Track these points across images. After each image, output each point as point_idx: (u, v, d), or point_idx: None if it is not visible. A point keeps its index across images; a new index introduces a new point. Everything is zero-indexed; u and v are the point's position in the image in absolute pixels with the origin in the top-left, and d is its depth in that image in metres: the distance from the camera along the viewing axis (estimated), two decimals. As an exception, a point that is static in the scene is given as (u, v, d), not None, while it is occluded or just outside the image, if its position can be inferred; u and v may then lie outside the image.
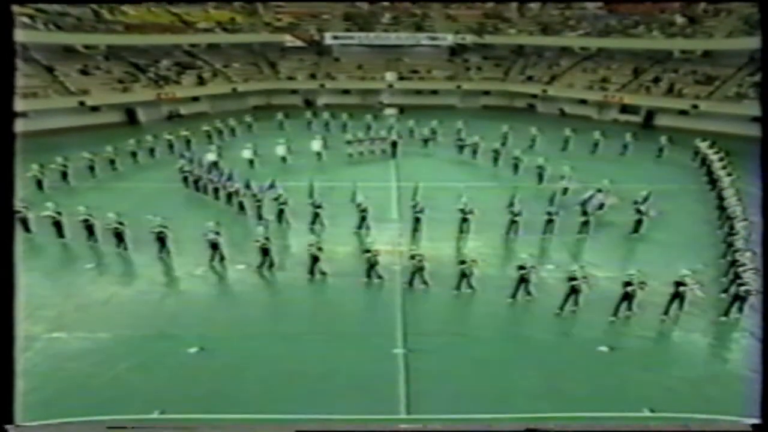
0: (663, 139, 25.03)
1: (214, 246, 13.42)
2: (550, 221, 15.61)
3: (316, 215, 16.10)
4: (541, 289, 12.55)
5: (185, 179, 19.52)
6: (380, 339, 10.42)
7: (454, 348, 10.24)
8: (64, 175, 19.63)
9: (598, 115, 34.37)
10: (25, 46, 28.99)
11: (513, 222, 15.58)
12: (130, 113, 32.67)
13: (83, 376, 9.23)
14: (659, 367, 9.64)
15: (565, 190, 18.47)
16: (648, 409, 8.35)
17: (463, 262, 12.31)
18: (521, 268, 11.87)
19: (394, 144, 24.45)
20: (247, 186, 17.13)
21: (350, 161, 23.37)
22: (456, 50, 39.55)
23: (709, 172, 21.46)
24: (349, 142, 23.78)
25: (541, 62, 38.28)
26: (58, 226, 14.72)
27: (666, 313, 11.17)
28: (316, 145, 23.19)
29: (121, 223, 14.07)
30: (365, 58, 39.13)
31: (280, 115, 29.92)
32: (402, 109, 35.41)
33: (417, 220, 15.62)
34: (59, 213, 14.76)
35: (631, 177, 20.45)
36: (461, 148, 24.49)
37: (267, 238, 13.23)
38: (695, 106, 29.62)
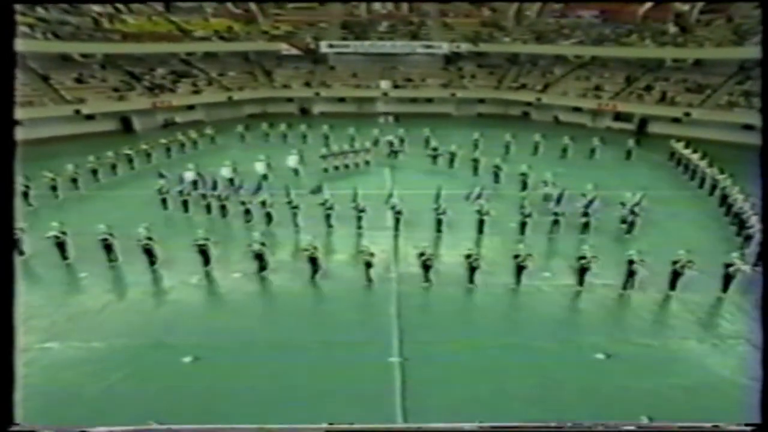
0: (630, 142, 25.85)
1: (260, 257, 13.31)
2: (556, 222, 16.03)
3: (360, 219, 16.26)
4: (535, 297, 12.60)
5: (164, 201, 18.05)
6: (376, 347, 10.37)
7: (450, 356, 10.19)
8: (26, 195, 18.32)
9: (592, 122, 34.65)
10: (22, 55, 29.01)
11: (523, 223, 15.94)
12: (125, 122, 32.64)
13: (76, 386, 9.11)
14: (656, 374, 9.64)
15: (546, 196, 18.60)
16: (646, 417, 8.34)
17: (517, 257, 12.65)
18: (581, 258, 12.57)
19: (390, 144, 24.90)
20: (287, 193, 17.14)
21: (345, 173, 22.72)
22: (451, 58, 39.87)
23: (687, 169, 22.69)
24: (323, 157, 22.79)
25: (535, 70, 38.63)
26: (61, 246, 13.89)
27: (724, 291, 12.33)
28: (292, 161, 22.01)
29: (150, 239, 13.60)
30: (360, 67, 39.34)
31: (240, 128, 28.90)
32: (397, 117, 35.57)
33: (439, 222, 15.99)
34: (64, 233, 13.91)
35: (610, 181, 20.45)
36: (434, 158, 23.75)
37: (315, 247, 13.14)
38: (688, 114, 29.94)
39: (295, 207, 16.53)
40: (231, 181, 19.65)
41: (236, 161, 21.33)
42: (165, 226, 16.52)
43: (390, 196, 16.79)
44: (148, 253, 13.61)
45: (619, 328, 11.32)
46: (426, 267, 12.84)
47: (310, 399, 8.86)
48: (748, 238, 14.64)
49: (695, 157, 22.68)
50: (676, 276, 12.42)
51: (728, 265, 12.33)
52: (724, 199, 18.43)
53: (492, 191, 19.06)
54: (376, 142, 25.62)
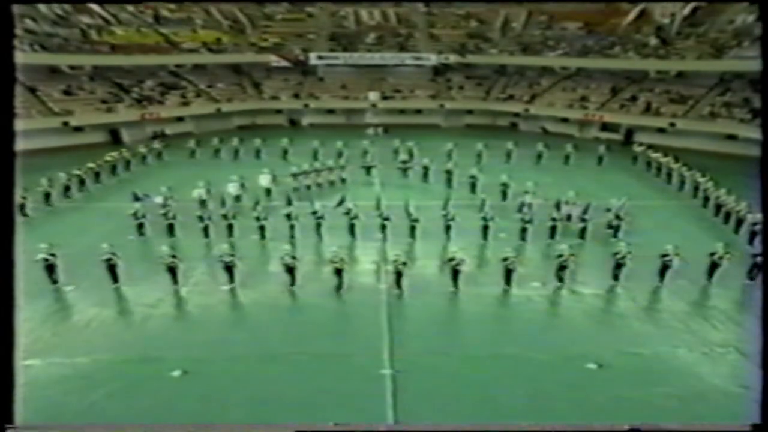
0: (601, 148, 26.81)
1: (291, 270, 13.13)
2: (553, 228, 16.46)
3: (384, 227, 16.31)
4: (526, 306, 12.59)
5: (141, 226, 16.68)
6: (367, 359, 10.28)
7: (442, 367, 10.13)
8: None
9: (580, 133, 35.09)
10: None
11: (524, 229, 16.32)
12: (113, 133, 32.36)
13: (56, 406, 8.81)
14: (647, 383, 9.64)
15: (528, 205, 18.69)
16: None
17: (560, 256, 13.13)
18: (664, 255, 13.04)
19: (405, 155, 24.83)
20: (311, 203, 17.29)
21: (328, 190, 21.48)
22: (439, 70, 40.26)
23: (660, 171, 23.91)
24: (294, 175, 21.35)
25: (522, 81, 39.14)
26: (50, 269, 13.17)
27: (752, 279, 13.13)
28: (264, 180, 20.70)
29: (174, 257, 13.21)
30: (349, 78, 39.55)
31: (192, 143, 27.83)
32: (386, 129, 35.72)
33: (448, 228, 16.25)
34: (53, 255, 13.17)
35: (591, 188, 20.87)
36: (405, 170, 23.31)
37: (342, 259, 13.08)
38: (672, 124, 30.52)
39: (320, 218, 16.52)
40: (203, 203, 18.57)
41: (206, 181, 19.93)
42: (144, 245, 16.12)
43: (407, 205, 16.94)
44: (172, 271, 13.17)
45: (610, 337, 11.32)
46: (455, 273, 12.90)
47: (301, 412, 8.71)
48: (754, 235, 15.35)
49: (665, 160, 23.80)
50: (714, 267, 13.15)
51: (755, 255, 13.18)
52: (707, 201, 19.30)
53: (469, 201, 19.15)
54: (340, 155, 24.75)
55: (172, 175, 23.40)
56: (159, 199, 18.19)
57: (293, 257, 13.22)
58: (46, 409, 8.67)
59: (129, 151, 25.79)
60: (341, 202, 17.55)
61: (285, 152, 26.49)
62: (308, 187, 21.26)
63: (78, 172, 21.75)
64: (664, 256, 13.08)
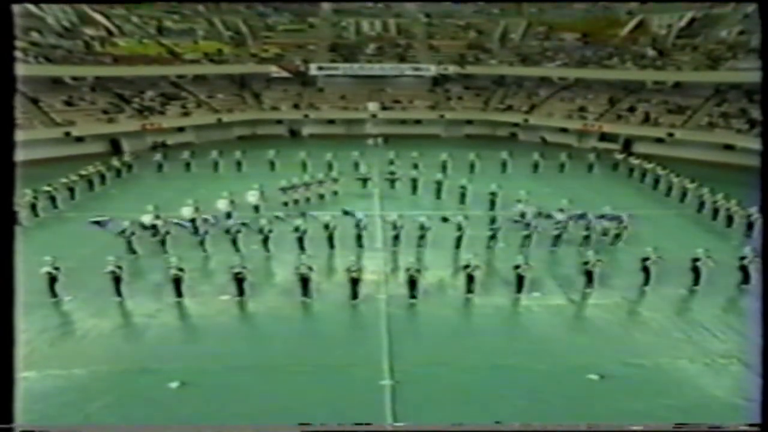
0: (591, 157, 27.32)
1: (305, 281, 13.01)
2: (558, 236, 16.53)
3: (396, 236, 16.43)
4: (527, 316, 12.54)
5: (130, 244, 15.87)
6: (366, 370, 10.20)
7: (441, 377, 10.06)
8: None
9: (579, 143, 35.21)
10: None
11: (527, 236, 16.39)
12: (114, 144, 32.49)
13: (51, 418, 8.67)
14: (650, 395, 9.57)
15: (522, 214, 18.70)
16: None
17: (586, 263, 13.45)
18: (696, 260, 13.27)
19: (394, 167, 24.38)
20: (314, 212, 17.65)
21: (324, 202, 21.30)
22: (438, 80, 40.53)
23: (644, 177, 24.66)
24: (283, 189, 20.55)
25: (521, 92, 39.38)
26: (53, 282, 12.81)
27: None
28: (252, 197, 19.91)
29: (181, 270, 12.97)
30: (349, 89, 39.78)
31: (158, 156, 27.32)
32: (386, 139, 35.84)
33: (459, 238, 16.38)
34: (57, 269, 12.86)
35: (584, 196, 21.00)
36: (392, 182, 23.00)
37: (360, 269, 13.12)
38: (671, 134, 30.66)
39: (333, 228, 16.42)
40: (193, 221, 17.31)
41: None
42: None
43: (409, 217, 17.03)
44: (176, 283, 12.98)
45: (612, 347, 11.25)
46: (470, 278, 13.01)
47: (300, 424, 8.62)
48: None
49: (650, 167, 24.37)
50: (743, 271, 13.36)
51: None
52: (702, 206, 19.56)
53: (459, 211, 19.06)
54: (330, 167, 24.36)
55: (148, 190, 23.01)
56: (147, 218, 16.90)
57: (309, 267, 13.05)
58: (41, 421, 8.52)
59: (103, 165, 24.99)
60: (353, 213, 17.30)
61: (272, 164, 26.05)
62: (296, 202, 20.58)
63: (48, 188, 20.28)
64: (695, 260, 13.17)
